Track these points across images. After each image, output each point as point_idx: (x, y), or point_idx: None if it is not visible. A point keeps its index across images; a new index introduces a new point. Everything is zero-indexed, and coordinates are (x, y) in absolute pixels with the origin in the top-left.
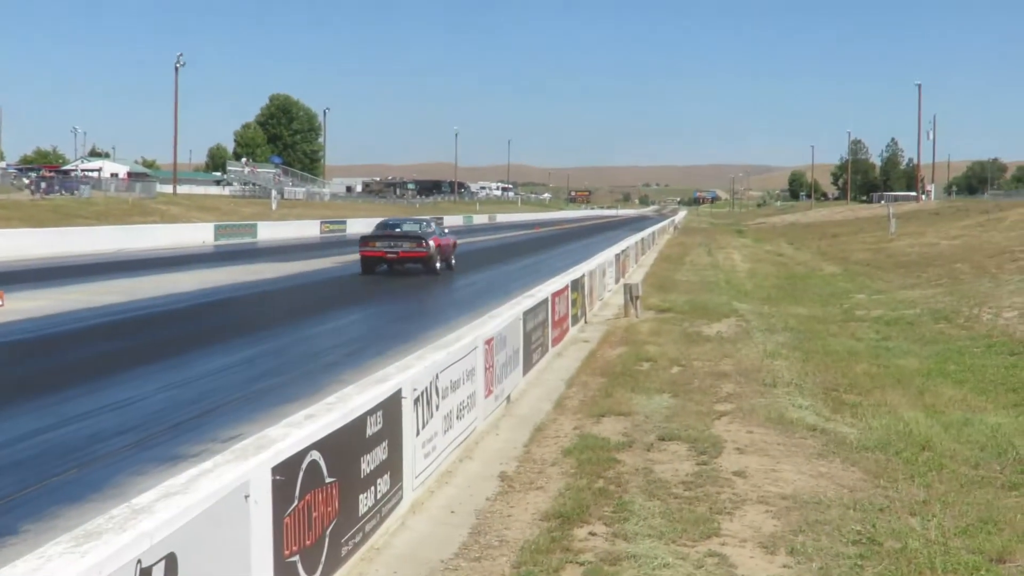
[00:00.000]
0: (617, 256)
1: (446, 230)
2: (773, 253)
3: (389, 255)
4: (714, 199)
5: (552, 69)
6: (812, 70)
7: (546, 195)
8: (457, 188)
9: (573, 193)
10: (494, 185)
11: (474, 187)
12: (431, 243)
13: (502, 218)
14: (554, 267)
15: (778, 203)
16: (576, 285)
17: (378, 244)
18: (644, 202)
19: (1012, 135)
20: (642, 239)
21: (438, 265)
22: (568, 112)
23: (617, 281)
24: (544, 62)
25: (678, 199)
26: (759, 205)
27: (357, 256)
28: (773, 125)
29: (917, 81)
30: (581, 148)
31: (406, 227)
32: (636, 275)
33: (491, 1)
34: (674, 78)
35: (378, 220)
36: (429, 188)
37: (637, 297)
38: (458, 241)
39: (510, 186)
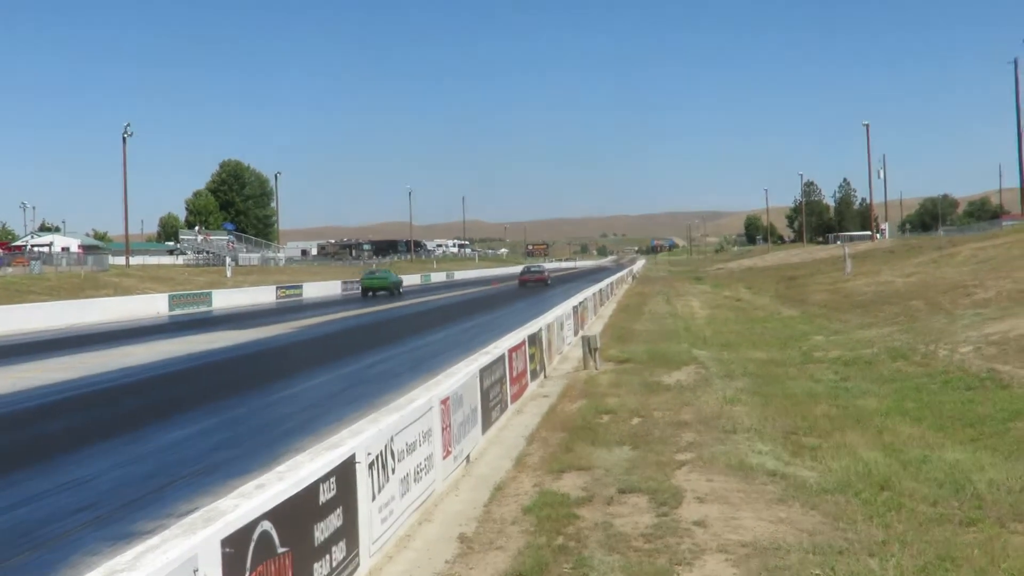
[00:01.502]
0: (575, 308)
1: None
2: (731, 298)
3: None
4: (671, 247)
5: (503, 124)
6: (762, 114)
7: (503, 250)
8: (413, 247)
9: (530, 247)
10: (450, 242)
11: (430, 245)
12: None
13: (460, 275)
14: (512, 322)
15: (735, 248)
16: (534, 340)
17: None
18: (602, 252)
19: (962, 170)
20: (600, 290)
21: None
22: (521, 167)
23: (576, 333)
24: (495, 118)
25: (636, 248)
26: (716, 251)
27: (315, 321)
28: (726, 171)
29: (865, 121)
30: (536, 202)
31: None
32: (595, 327)
33: (438, 63)
34: (626, 128)
35: (337, 282)
36: (385, 248)
37: (596, 349)
38: (419, 300)
39: (466, 243)
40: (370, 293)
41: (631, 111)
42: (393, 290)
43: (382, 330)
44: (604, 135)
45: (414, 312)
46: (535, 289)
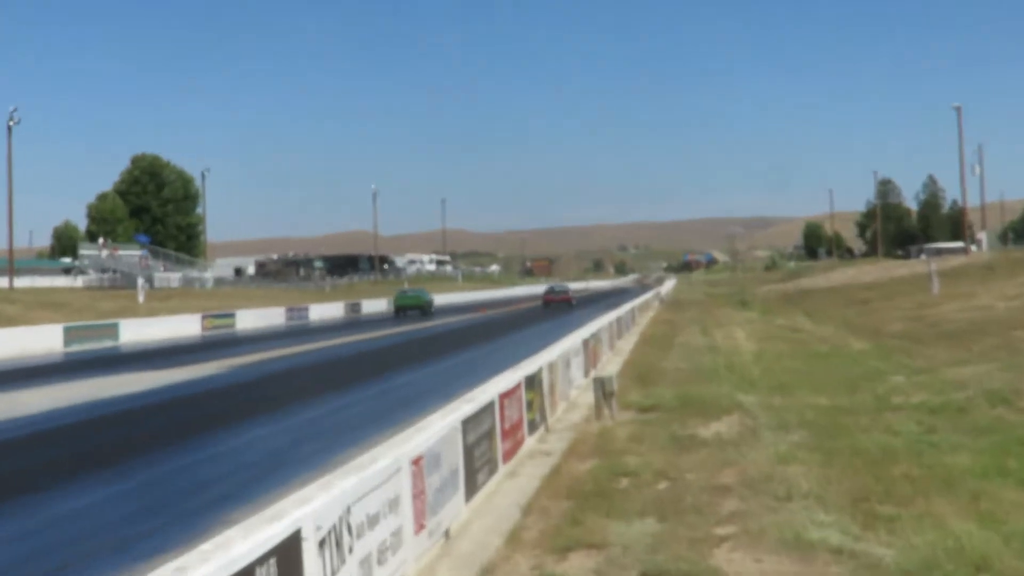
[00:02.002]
0: (586, 342)
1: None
2: (786, 328)
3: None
4: (709, 262)
5: (494, 110)
6: (822, 96)
7: (494, 267)
8: (379, 264)
9: (529, 263)
10: (426, 258)
11: (400, 261)
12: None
13: (438, 299)
14: (504, 359)
15: (791, 264)
16: (532, 382)
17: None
18: (620, 270)
19: None
20: (618, 318)
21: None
22: (517, 161)
23: (587, 374)
24: (484, 103)
25: (664, 264)
26: (767, 267)
27: (253, 358)
28: (778, 166)
29: (955, 103)
30: (537, 206)
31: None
32: (611, 365)
33: (411, 32)
34: (647, 113)
35: (281, 310)
36: (343, 265)
37: (612, 394)
38: (386, 332)
39: (447, 258)
40: (403, 313)
41: (656, 92)
42: (426, 309)
43: (338, 370)
44: (621, 122)
45: (379, 347)
46: (534, 318)
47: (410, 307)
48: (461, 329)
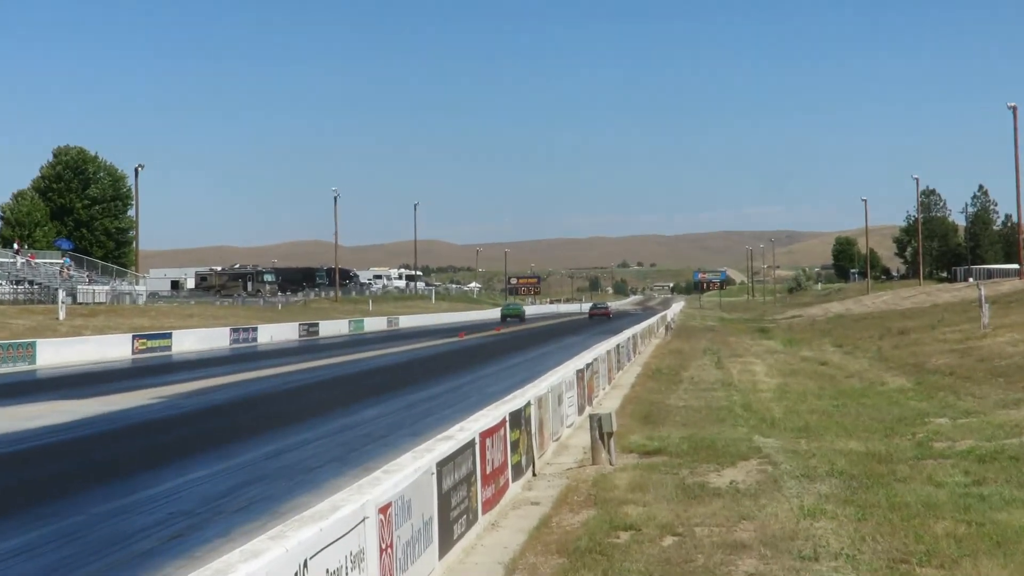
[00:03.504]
0: (580, 373)
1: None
2: (813, 361)
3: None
4: (724, 282)
5: (474, 107)
6: (854, 93)
7: (473, 284)
8: (339, 278)
9: (513, 281)
10: (395, 273)
11: (365, 276)
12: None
13: (408, 321)
14: (487, 393)
15: (818, 286)
16: (518, 419)
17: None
18: (620, 289)
19: None
20: (618, 346)
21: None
22: (501, 164)
23: (581, 411)
24: (462, 100)
25: (670, 284)
26: (790, 290)
27: (193, 386)
28: (804, 174)
29: (1010, 103)
30: (523, 215)
31: (599, 305)
32: (609, 401)
33: (380, 22)
34: (652, 111)
35: (225, 330)
36: (298, 279)
37: (610, 434)
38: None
39: (418, 273)
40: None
41: (659, 88)
42: (523, 317)
43: (290, 400)
44: (624, 121)
45: (340, 375)
46: (520, 344)
47: (512, 316)
48: (437, 356)
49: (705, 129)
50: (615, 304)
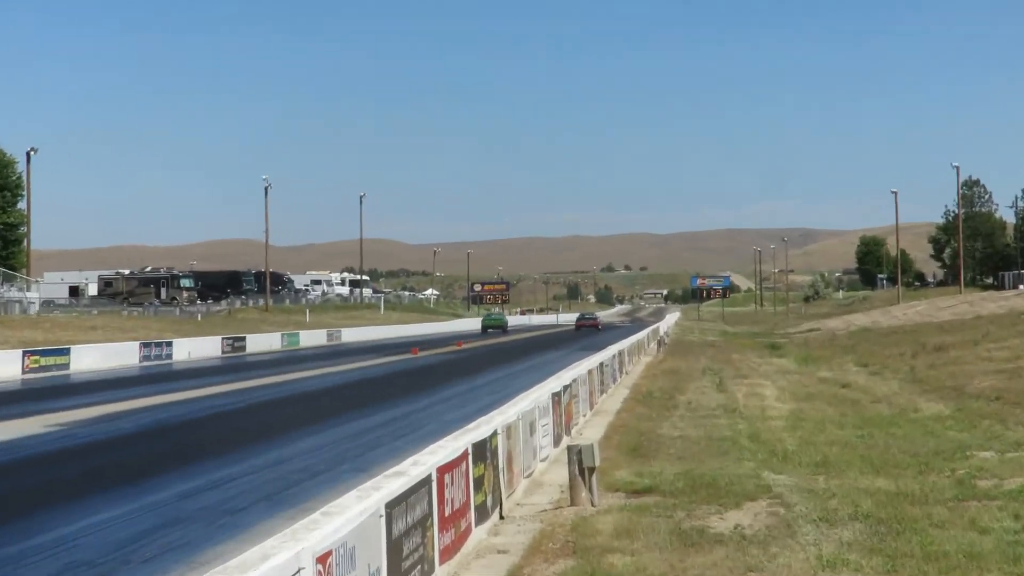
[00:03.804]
0: (556, 397)
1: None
2: (833, 383)
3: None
4: (727, 290)
5: (433, 86)
6: (880, 66)
7: (430, 292)
8: (271, 284)
9: (478, 287)
10: (336, 278)
11: (301, 282)
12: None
13: (353, 335)
14: (445, 420)
15: (839, 293)
16: (482, 451)
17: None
18: (604, 298)
19: None
20: (601, 365)
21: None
22: (463, 152)
23: (558, 442)
24: (420, 78)
25: (663, 292)
26: (807, 298)
27: (95, 412)
28: (821, 163)
29: None
30: (490, 210)
31: (588, 316)
32: (591, 430)
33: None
34: (642, 95)
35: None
36: (221, 285)
37: (592, 469)
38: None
39: (364, 278)
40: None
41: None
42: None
43: (212, 428)
44: (607, 101)
45: (272, 398)
46: (484, 363)
47: (493, 326)
48: (387, 376)
49: (703, 113)
50: (598, 315)
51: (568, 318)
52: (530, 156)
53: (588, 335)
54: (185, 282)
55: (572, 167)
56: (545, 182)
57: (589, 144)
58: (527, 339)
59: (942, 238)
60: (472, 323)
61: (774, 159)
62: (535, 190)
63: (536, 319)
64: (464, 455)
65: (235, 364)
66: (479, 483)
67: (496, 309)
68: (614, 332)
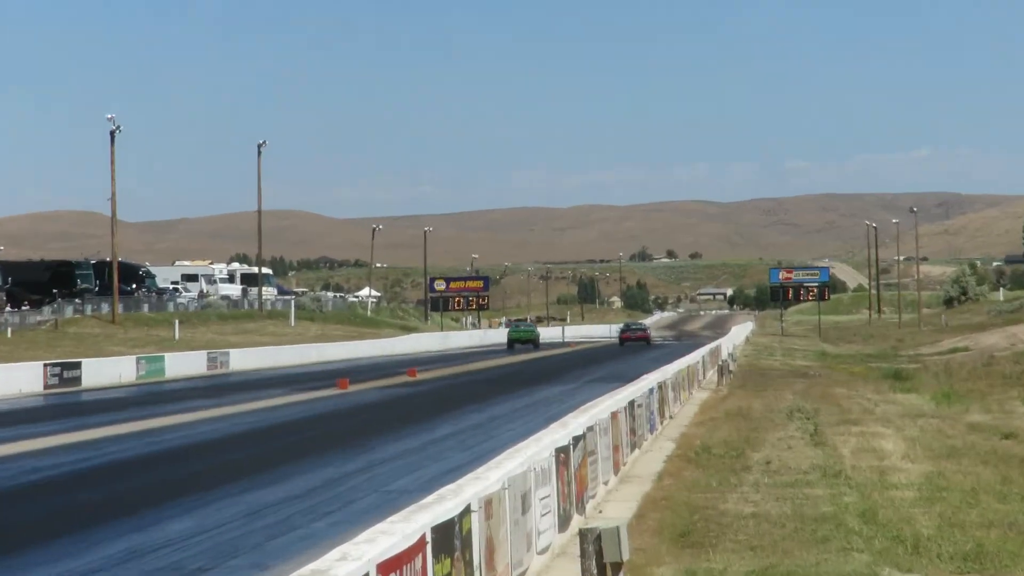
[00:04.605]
0: (562, 454)
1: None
2: (990, 431)
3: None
4: (825, 287)
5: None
6: None
7: (366, 292)
8: (120, 281)
9: (441, 285)
10: (218, 269)
11: (168, 276)
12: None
13: (247, 359)
14: (389, 491)
15: (998, 293)
16: (448, 537)
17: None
18: (634, 301)
19: None
20: (632, 404)
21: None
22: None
23: (565, 523)
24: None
25: (725, 292)
26: (949, 300)
27: None
28: (968, 91)
29: None
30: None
31: (634, 326)
32: (617, 505)
33: None
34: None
35: None
36: (42, 283)
37: (619, 566)
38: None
39: (265, 272)
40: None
41: None
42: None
43: (35, 503)
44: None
45: (124, 458)
46: (448, 403)
47: (522, 341)
48: (299, 423)
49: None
50: (604, 328)
51: (581, 332)
52: (521, 88)
53: (612, 357)
54: None
55: (585, 105)
56: (542, 126)
57: (610, 74)
58: (520, 363)
59: None
60: (430, 340)
61: (898, 90)
62: (525, 137)
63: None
64: (420, 544)
65: (64, 405)
66: None
67: (527, 319)
68: (654, 352)
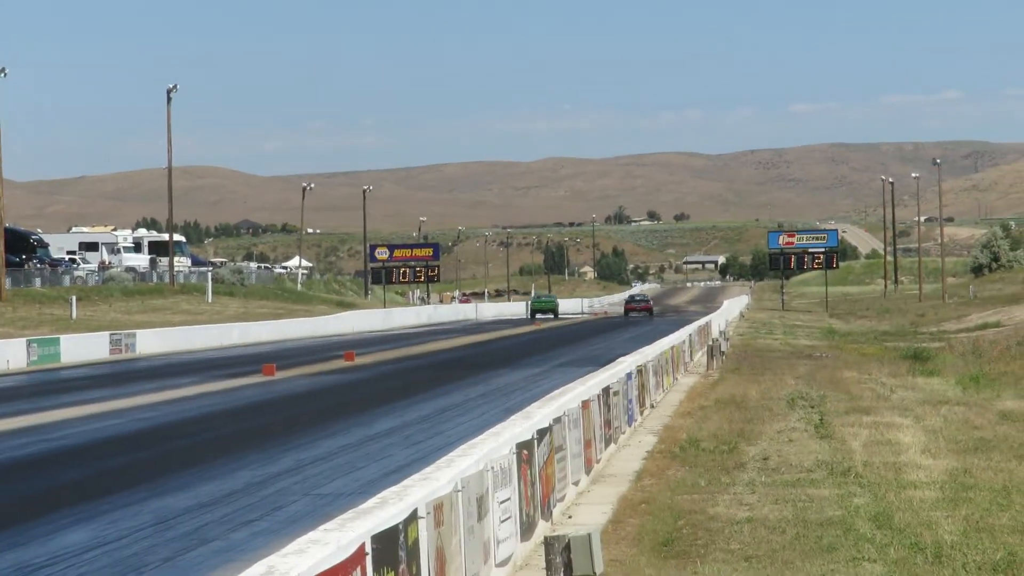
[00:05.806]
0: (525, 450)
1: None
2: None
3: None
4: (833, 253)
5: None
6: None
7: (295, 262)
8: (6, 250)
9: (383, 253)
10: (126, 237)
11: (63, 245)
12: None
13: (156, 342)
14: (322, 494)
15: None
16: (392, 548)
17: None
18: (609, 270)
19: None
20: (606, 392)
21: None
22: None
23: (528, 530)
24: None
25: (717, 259)
26: (977, 268)
27: None
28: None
29: None
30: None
31: (638, 297)
32: (590, 509)
33: None
34: None
35: None
36: None
37: None
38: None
39: (178, 239)
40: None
41: None
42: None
43: None
44: None
45: (10, 458)
46: (423, 381)
47: (543, 310)
48: (217, 416)
49: None
50: (603, 300)
51: (570, 308)
52: (478, 17)
53: (587, 336)
54: None
55: (554, 38)
56: (502, 63)
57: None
58: (477, 344)
59: None
60: (371, 318)
61: (921, 21)
62: (483, 76)
63: (488, 308)
64: (358, 556)
65: None
66: None
67: (546, 291)
68: (629, 331)
